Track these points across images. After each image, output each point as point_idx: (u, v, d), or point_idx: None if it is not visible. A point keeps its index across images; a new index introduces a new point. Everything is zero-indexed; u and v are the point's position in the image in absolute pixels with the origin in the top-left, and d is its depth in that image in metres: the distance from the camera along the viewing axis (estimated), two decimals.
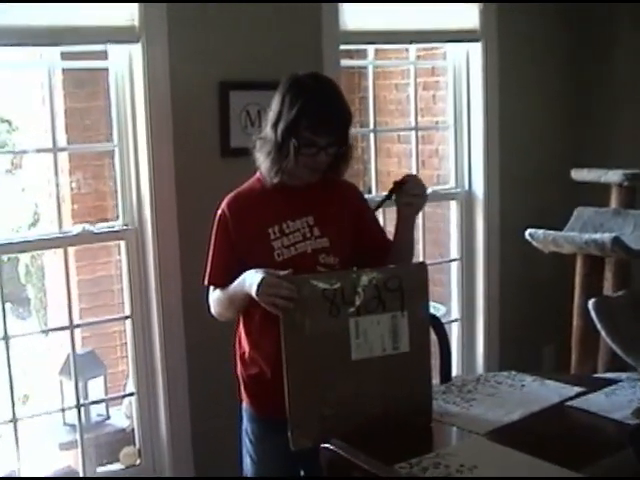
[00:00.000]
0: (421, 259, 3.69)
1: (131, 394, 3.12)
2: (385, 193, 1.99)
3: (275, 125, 1.94)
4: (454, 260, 3.86)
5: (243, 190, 2.08)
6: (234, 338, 2.17)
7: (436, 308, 4.29)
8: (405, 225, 2.00)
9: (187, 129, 2.92)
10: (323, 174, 2.01)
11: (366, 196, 2.26)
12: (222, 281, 2.03)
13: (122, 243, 2.97)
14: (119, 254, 3.12)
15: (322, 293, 1.85)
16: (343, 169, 2.05)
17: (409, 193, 1.94)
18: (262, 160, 1.98)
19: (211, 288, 2.10)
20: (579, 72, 3.94)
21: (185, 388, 3.01)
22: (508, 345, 3.88)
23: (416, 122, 3.79)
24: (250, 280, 1.89)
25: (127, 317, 3.02)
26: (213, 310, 2.11)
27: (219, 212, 2.06)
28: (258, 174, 2.06)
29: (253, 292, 1.86)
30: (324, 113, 1.89)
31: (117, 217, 3.00)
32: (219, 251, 2.05)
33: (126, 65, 2.86)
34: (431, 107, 4.67)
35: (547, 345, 4.03)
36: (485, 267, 3.79)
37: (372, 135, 3.63)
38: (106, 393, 3.66)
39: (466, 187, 3.79)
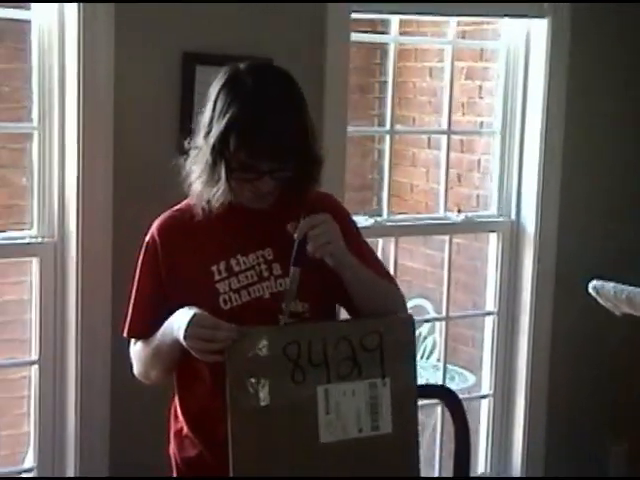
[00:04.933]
0: (443, 307, 3.76)
1: (28, 470, 3.12)
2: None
3: (207, 136, 2.00)
4: (490, 314, 3.91)
5: (181, 210, 2.13)
6: (170, 407, 2.23)
7: (462, 376, 4.36)
8: (340, 269, 2.02)
9: (134, 114, 2.97)
10: (282, 194, 2.06)
11: (361, 222, 2.22)
12: (146, 332, 2.08)
13: (34, 261, 3.01)
14: (29, 275, 3.14)
15: (283, 351, 1.92)
16: (306, 191, 2.07)
17: (317, 246, 1.95)
18: (194, 178, 2.04)
19: (132, 341, 2.16)
20: None
21: (104, 467, 3.02)
22: (558, 437, 3.89)
23: (449, 122, 3.84)
24: (180, 321, 1.94)
25: (33, 362, 3.06)
26: (135, 369, 2.18)
27: (147, 238, 2.11)
28: None
29: (181, 335, 1.92)
30: (261, 130, 1.92)
31: (30, 225, 3.05)
32: (143, 292, 2.11)
33: (55, 20, 2.92)
34: (476, 102, 4.74)
35: (616, 444, 4.01)
36: (531, 326, 3.82)
37: (388, 137, 3.71)
38: None
39: (512, 216, 3.85)
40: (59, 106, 2.96)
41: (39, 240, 3.01)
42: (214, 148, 1.95)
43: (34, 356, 3.06)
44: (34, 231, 3.03)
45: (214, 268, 2.04)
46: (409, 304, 4.66)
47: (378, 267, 2.18)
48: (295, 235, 1.95)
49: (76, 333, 2.97)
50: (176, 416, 2.18)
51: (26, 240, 3.02)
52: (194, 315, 1.90)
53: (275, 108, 1.95)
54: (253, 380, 1.90)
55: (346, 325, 1.97)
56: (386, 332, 1.98)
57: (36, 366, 3.05)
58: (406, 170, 4.95)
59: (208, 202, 2.01)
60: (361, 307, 2.07)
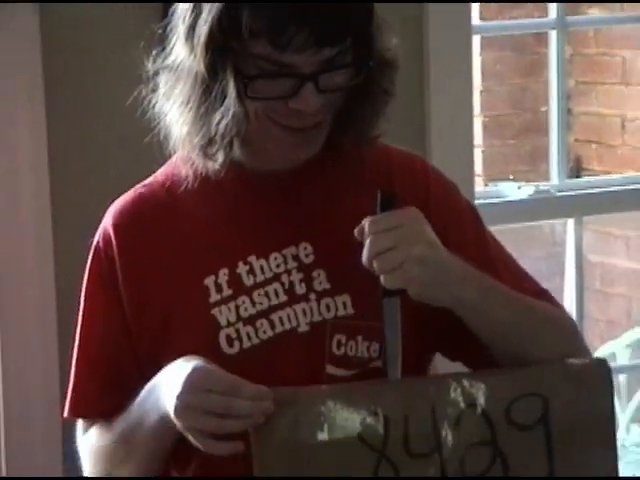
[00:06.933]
0: None
1: None
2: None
3: (191, 31, 1.32)
4: None
5: (151, 187, 1.48)
6: None
7: None
8: (446, 304, 1.34)
9: None
10: (328, 142, 1.38)
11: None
12: (105, 407, 1.42)
13: None
14: None
15: (358, 435, 1.21)
16: (368, 122, 1.37)
17: (382, 272, 1.29)
18: (174, 116, 1.36)
19: (80, 424, 1.47)
20: None
21: None
22: None
23: None
24: (169, 384, 1.31)
25: None
26: (90, 468, 1.47)
27: (96, 240, 1.47)
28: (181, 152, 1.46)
29: (171, 407, 1.28)
30: None
31: None
32: (95, 337, 1.46)
33: None
34: None
35: None
36: None
37: (553, 34, 2.49)
38: None
39: None
40: None
41: None
42: (210, 38, 1.28)
43: None
44: None
45: (209, 281, 1.38)
46: (620, 340, 3.32)
47: (521, 280, 1.42)
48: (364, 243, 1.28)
49: None
50: None
51: None
52: (193, 370, 1.26)
53: None
54: None
55: (475, 382, 1.22)
56: (555, 394, 1.25)
57: None
58: (608, 94, 3.26)
59: (204, 154, 1.34)
60: (502, 357, 1.37)
